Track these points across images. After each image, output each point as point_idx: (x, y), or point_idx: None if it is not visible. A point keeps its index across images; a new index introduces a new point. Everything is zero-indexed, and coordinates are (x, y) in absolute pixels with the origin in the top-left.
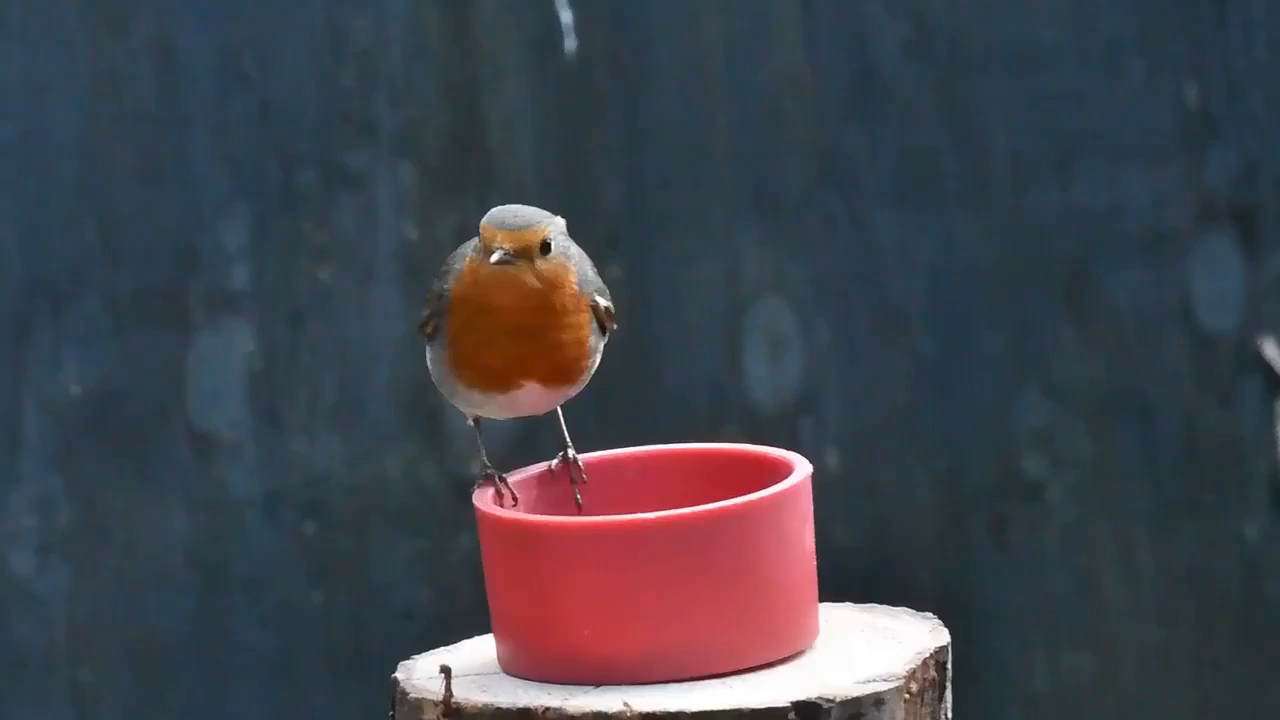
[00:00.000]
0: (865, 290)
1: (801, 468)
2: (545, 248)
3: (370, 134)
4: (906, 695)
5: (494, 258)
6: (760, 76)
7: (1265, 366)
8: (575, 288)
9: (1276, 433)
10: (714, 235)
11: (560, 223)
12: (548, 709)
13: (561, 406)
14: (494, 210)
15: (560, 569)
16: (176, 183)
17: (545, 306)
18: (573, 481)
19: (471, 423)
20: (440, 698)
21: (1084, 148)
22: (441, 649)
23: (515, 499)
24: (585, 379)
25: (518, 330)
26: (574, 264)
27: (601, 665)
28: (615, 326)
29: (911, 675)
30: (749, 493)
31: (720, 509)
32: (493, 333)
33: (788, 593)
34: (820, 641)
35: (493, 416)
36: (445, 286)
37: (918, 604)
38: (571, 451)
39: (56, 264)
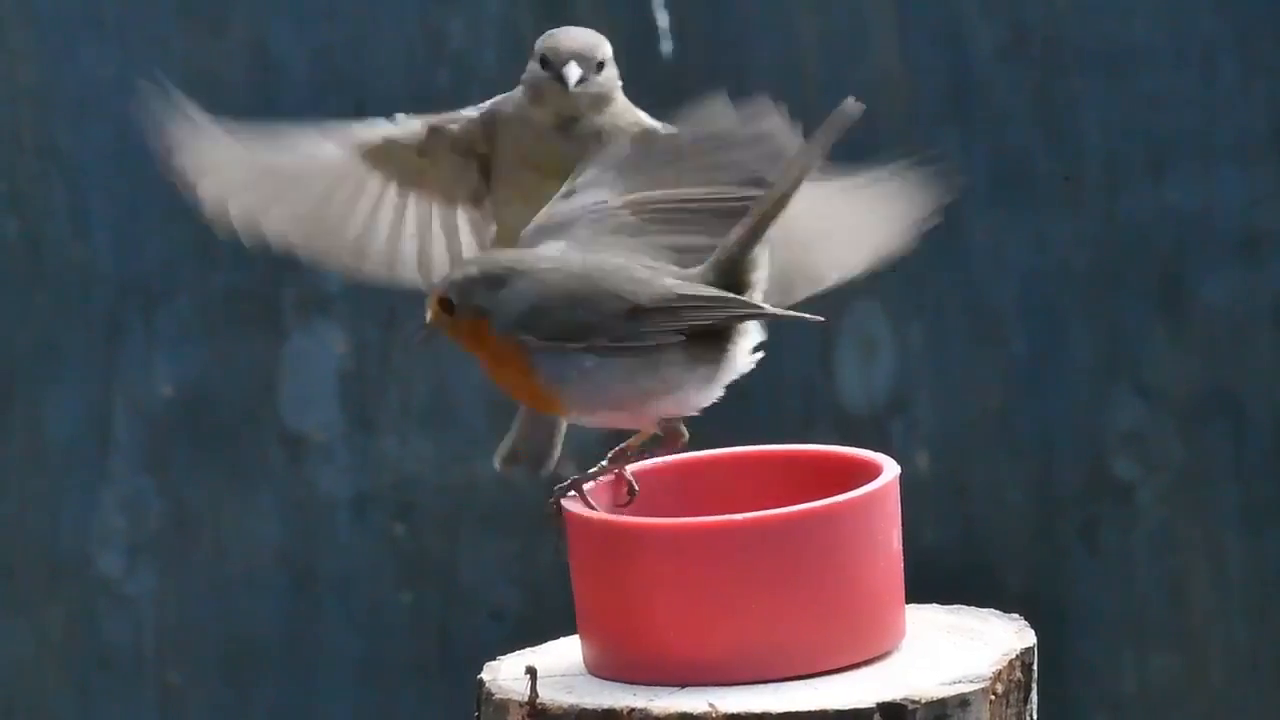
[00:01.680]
0: (958, 292)
1: (889, 469)
2: (447, 305)
3: None
4: (992, 697)
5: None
6: (855, 79)
7: None
8: (493, 339)
9: None
10: None
11: (457, 279)
12: (632, 710)
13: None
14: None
15: (646, 570)
16: None
17: (486, 361)
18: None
19: None
20: (525, 699)
21: (1178, 149)
22: (527, 650)
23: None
24: (573, 409)
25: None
26: (489, 313)
27: (687, 666)
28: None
29: (997, 677)
30: (836, 494)
31: (807, 510)
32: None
33: (874, 594)
34: (906, 643)
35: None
36: None
37: (1007, 605)
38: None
39: (149, 265)
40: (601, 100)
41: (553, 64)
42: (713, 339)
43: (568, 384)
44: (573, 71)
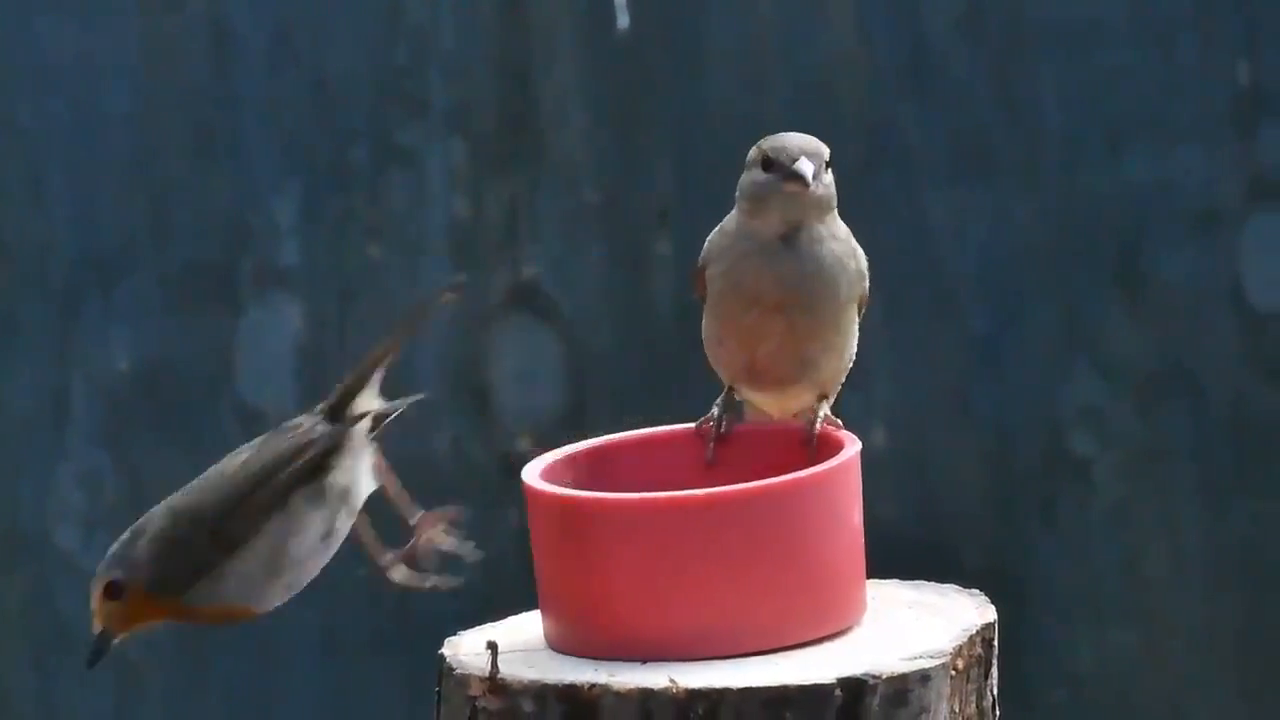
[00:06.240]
0: (916, 268)
1: (850, 445)
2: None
3: (422, 111)
4: (953, 672)
5: None
6: (812, 54)
7: None
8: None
9: None
10: None
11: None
12: (594, 685)
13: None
14: None
15: (608, 545)
16: (228, 159)
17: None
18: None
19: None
20: (486, 673)
21: (1136, 126)
22: (488, 625)
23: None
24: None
25: None
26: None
27: (648, 641)
28: None
29: (958, 652)
30: (797, 470)
31: (768, 486)
32: None
33: (835, 570)
34: (867, 618)
35: None
36: None
37: (965, 581)
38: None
39: (107, 240)
40: (825, 205)
41: (780, 164)
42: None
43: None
44: (807, 166)
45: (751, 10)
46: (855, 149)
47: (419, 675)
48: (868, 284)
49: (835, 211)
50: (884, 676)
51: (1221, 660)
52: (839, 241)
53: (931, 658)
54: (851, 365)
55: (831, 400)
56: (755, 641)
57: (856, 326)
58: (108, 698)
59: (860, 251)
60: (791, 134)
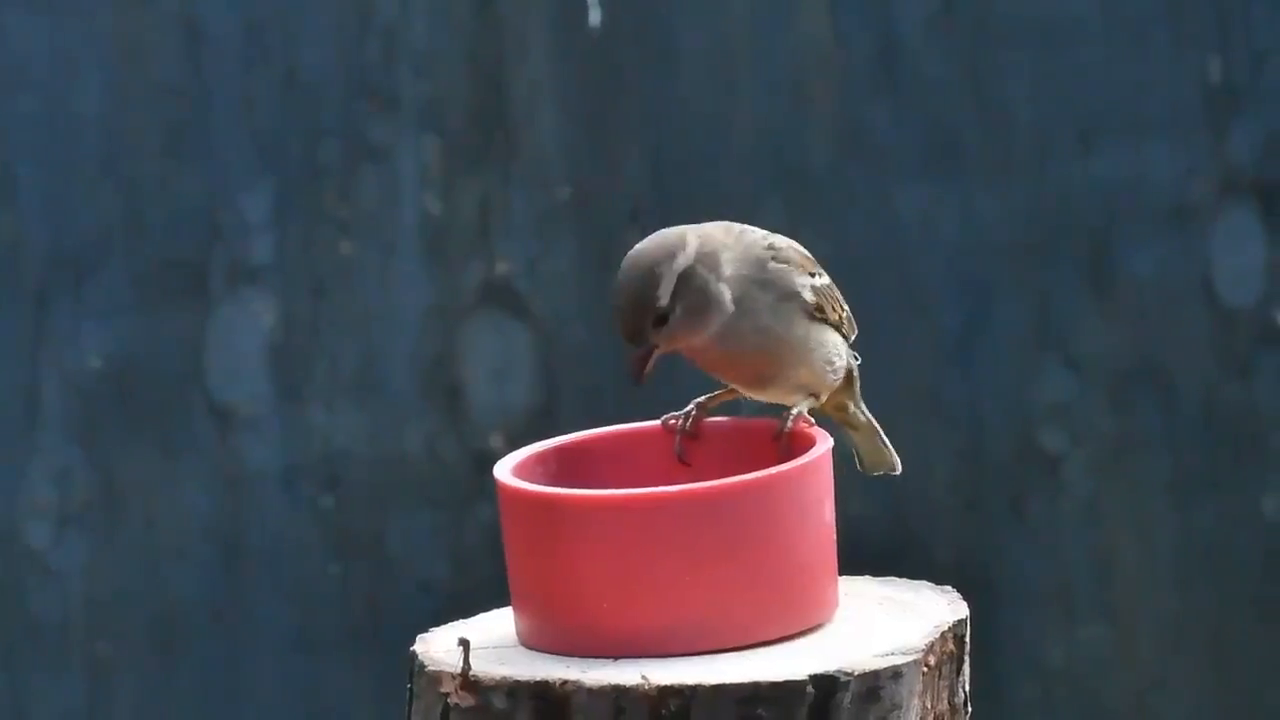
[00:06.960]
0: (887, 264)
1: (822, 441)
2: None
3: (393, 107)
4: (924, 668)
5: None
6: (784, 50)
7: None
8: None
9: None
10: (736, 209)
11: None
12: (565, 681)
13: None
14: None
15: (580, 542)
16: (199, 155)
17: None
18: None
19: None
20: (458, 670)
21: (1107, 121)
22: (459, 622)
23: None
24: None
25: None
26: None
27: (620, 638)
28: None
29: (930, 649)
30: (769, 466)
31: (739, 483)
32: None
33: (807, 566)
34: (839, 614)
35: None
36: None
37: (936, 577)
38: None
39: (79, 236)
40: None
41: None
42: None
43: None
44: (633, 364)
45: (723, 7)
46: (827, 145)
47: (391, 672)
48: (806, 289)
49: (710, 248)
50: (856, 673)
51: (1191, 656)
52: (723, 284)
53: (903, 654)
54: (842, 364)
55: (823, 399)
56: (727, 638)
57: (823, 330)
58: (79, 695)
59: (766, 264)
60: (619, 298)
